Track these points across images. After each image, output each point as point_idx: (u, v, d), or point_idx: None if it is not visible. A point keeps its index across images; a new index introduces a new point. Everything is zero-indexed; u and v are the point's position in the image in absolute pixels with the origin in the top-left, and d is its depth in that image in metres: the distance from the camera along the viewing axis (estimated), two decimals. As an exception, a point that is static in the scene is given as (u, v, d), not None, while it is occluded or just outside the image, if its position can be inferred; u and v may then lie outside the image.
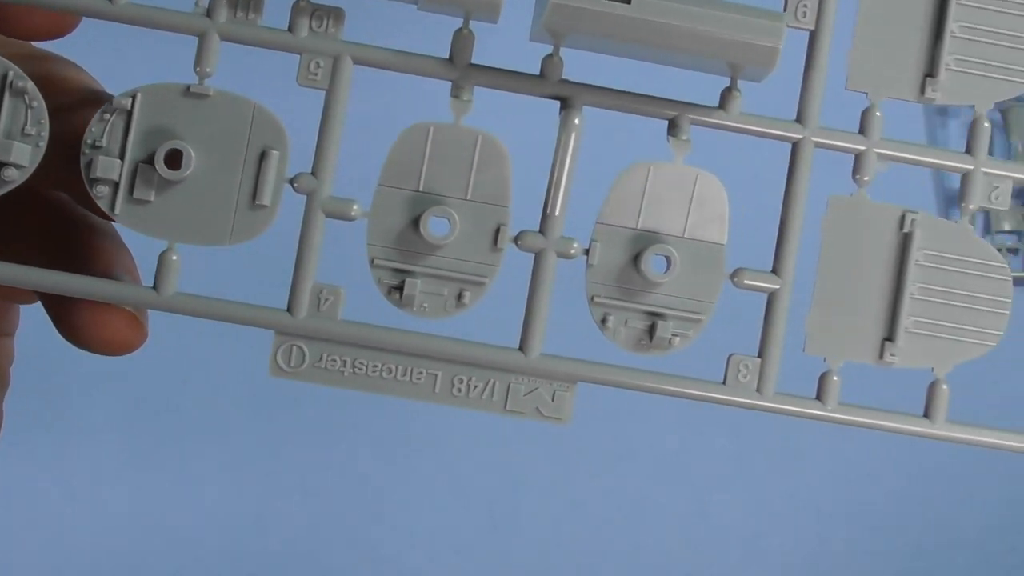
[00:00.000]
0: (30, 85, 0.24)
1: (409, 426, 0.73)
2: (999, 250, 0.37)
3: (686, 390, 0.26)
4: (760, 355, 0.26)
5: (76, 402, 0.70)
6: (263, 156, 0.25)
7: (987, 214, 0.80)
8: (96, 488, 0.70)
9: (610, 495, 0.75)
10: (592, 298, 0.26)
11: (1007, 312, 0.27)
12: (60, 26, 0.25)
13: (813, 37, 0.26)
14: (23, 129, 0.24)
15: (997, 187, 0.27)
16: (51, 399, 0.71)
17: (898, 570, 0.75)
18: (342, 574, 0.69)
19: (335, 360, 0.25)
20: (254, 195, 0.25)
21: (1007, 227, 0.81)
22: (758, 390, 0.26)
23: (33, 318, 0.28)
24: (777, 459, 0.77)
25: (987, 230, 0.80)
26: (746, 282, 0.26)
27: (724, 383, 0.26)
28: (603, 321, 0.26)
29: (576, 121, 0.26)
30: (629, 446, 0.73)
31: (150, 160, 0.25)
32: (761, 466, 0.77)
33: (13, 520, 0.69)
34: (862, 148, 0.26)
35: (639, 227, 0.26)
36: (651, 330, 0.26)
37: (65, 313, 0.25)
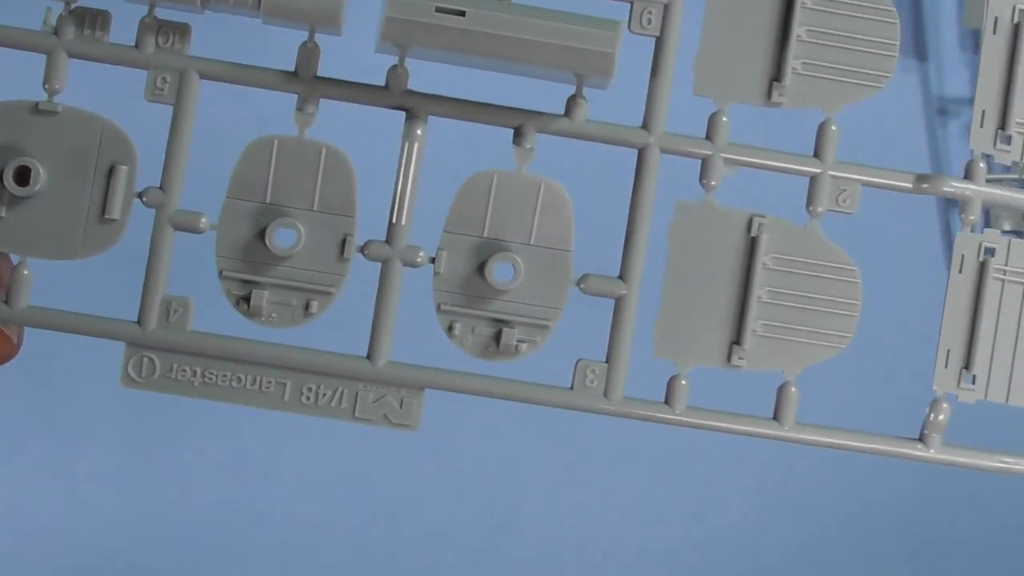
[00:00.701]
0: None
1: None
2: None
3: (533, 396, 0.26)
4: (607, 360, 0.27)
5: (77, 401, 0.71)
6: (112, 171, 0.26)
7: (987, 213, 0.79)
8: (96, 488, 0.70)
9: (610, 495, 0.75)
10: (439, 306, 0.26)
11: (856, 314, 0.27)
12: None
13: (659, 44, 0.27)
14: None
15: (845, 190, 0.27)
16: (52, 398, 0.72)
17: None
18: (342, 574, 0.69)
19: (185, 371, 0.26)
20: (103, 209, 0.26)
21: (1007, 227, 0.80)
22: (605, 395, 0.27)
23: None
24: (778, 458, 0.77)
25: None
26: (593, 288, 0.27)
27: (572, 388, 0.27)
28: (450, 329, 0.26)
29: (419, 132, 0.26)
30: (630, 446, 0.74)
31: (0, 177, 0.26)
32: (761, 465, 0.78)
33: (13, 520, 0.70)
34: (708, 153, 0.27)
35: (485, 235, 0.26)
36: (498, 337, 0.26)
37: None
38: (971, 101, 0.82)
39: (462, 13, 0.25)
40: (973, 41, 0.74)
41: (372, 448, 0.73)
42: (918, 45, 0.73)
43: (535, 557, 0.74)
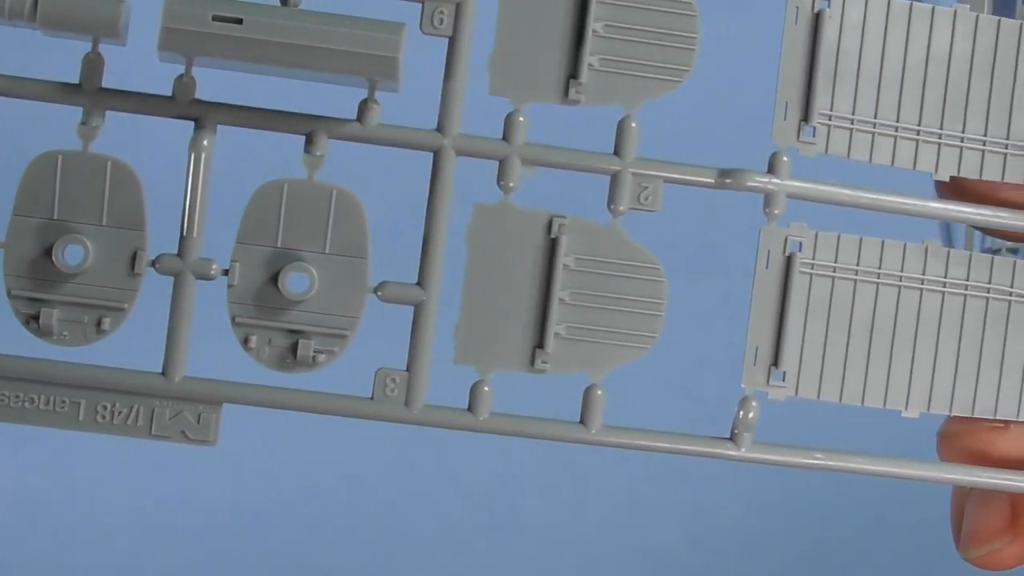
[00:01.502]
0: None
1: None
2: (998, 251, 0.37)
3: (332, 407, 0.26)
4: (408, 368, 0.27)
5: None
6: None
7: None
8: (96, 487, 0.70)
9: (611, 494, 0.75)
10: (234, 319, 0.26)
11: (661, 314, 0.27)
12: None
13: (451, 44, 0.27)
14: None
15: (647, 187, 0.27)
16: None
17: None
18: (342, 574, 0.69)
19: (-25, 393, 0.26)
20: None
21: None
22: (406, 404, 0.27)
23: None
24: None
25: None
26: (391, 295, 0.27)
27: (372, 398, 0.27)
28: (246, 341, 0.26)
29: (205, 142, 0.26)
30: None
31: None
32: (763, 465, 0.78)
33: (13, 520, 0.70)
34: (505, 154, 0.27)
35: (279, 245, 0.26)
36: (295, 348, 0.26)
37: None
38: None
39: (239, 21, 0.25)
40: None
41: (372, 448, 0.73)
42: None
43: (535, 557, 0.75)
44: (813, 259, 0.28)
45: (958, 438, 0.30)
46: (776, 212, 0.27)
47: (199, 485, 0.71)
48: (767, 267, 0.27)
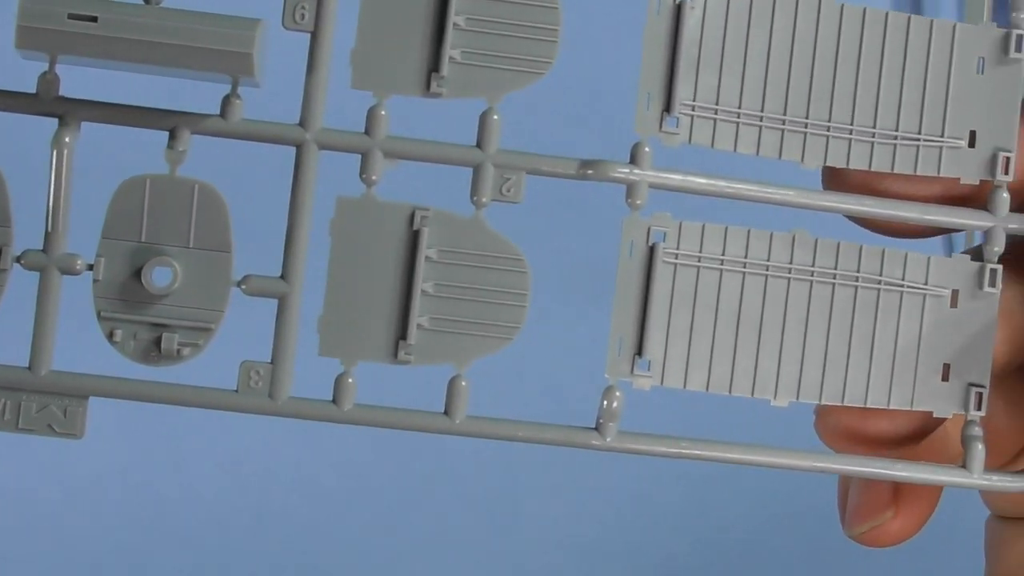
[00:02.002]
0: None
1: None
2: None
3: (197, 399, 0.27)
4: (272, 361, 0.27)
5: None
6: None
7: None
8: (96, 487, 0.71)
9: (611, 494, 0.76)
10: (99, 313, 0.27)
11: (525, 305, 0.27)
12: None
13: (313, 39, 0.27)
14: None
15: (509, 179, 0.27)
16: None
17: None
18: (342, 574, 0.70)
19: None
20: None
21: None
22: (270, 396, 0.27)
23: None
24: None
25: None
26: (255, 288, 0.27)
27: (236, 391, 0.27)
28: (111, 335, 0.27)
29: (67, 139, 0.27)
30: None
31: None
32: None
33: (13, 519, 0.70)
34: (367, 148, 0.27)
35: (143, 240, 0.27)
36: (159, 342, 0.27)
37: None
38: None
39: (95, 19, 0.25)
40: None
41: (372, 448, 0.73)
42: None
43: (535, 557, 0.75)
44: (677, 249, 0.28)
45: (833, 414, 0.30)
46: (638, 202, 0.28)
47: (199, 485, 0.71)
48: (630, 256, 0.28)
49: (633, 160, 0.28)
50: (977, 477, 0.28)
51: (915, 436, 0.29)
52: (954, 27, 0.29)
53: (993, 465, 0.29)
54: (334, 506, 0.73)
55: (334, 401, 0.28)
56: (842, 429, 0.30)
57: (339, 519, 0.72)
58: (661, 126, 0.28)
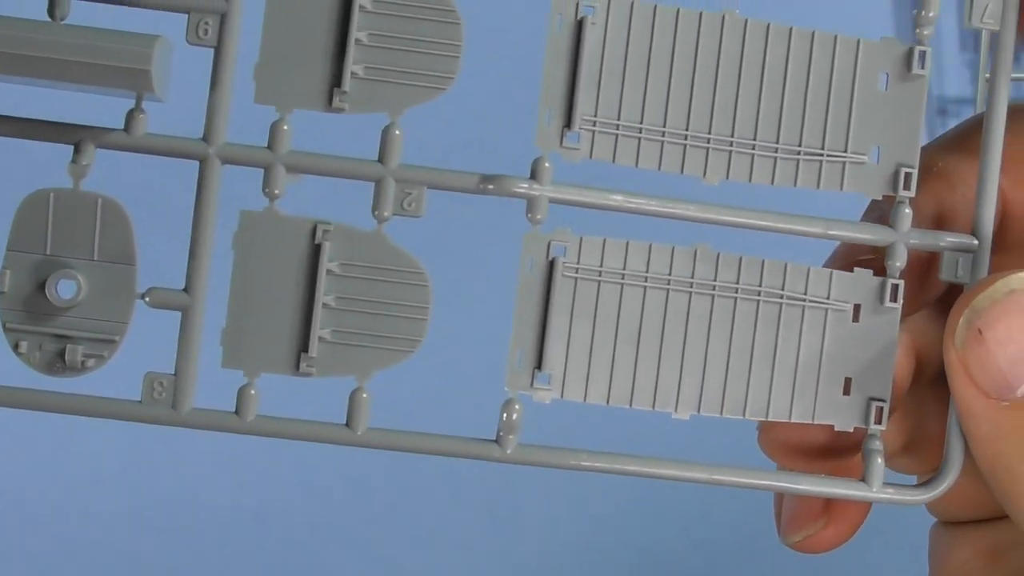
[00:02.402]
0: None
1: (408, 426, 0.73)
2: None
3: (100, 409, 0.27)
4: (175, 372, 0.28)
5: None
6: None
7: None
8: (96, 487, 0.71)
9: (611, 494, 0.76)
10: (5, 325, 0.27)
11: (427, 318, 0.28)
12: None
13: (217, 54, 0.28)
14: None
15: (411, 193, 0.28)
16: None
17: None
18: (342, 574, 0.70)
19: None
20: None
21: None
22: (174, 407, 0.28)
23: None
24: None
25: None
26: (158, 301, 0.27)
27: (140, 401, 0.28)
28: (16, 347, 0.27)
29: (-28, 152, 0.27)
30: (630, 445, 0.74)
31: None
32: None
33: (13, 519, 0.71)
34: (269, 162, 0.28)
35: (48, 253, 0.27)
36: (64, 353, 0.27)
37: None
38: (973, 101, 0.82)
39: (-12, 35, 0.26)
40: (973, 41, 0.74)
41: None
42: (918, 45, 0.74)
43: (535, 557, 0.75)
44: (578, 263, 0.28)
45: (773, 429, 0.30)
46: (539, 217, 0.28)
47: (199, 485, 0.72)
48: (530, 271, 0.28)
49: (533, 175, 0.28)
50: (876, 491, 0.29)
51: (853, 448, 0.30)
52: (858, 42, 0.29)
53: (931, 469, 0.30)
54: (334, 506, 0.73)
55: (237, 412, 0.28)
56: (780, 443, 0.30)
57: (339, 518, 0.73)
58: (562, 141, 0.28)
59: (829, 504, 0.31)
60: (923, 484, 0.29)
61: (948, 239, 0.29)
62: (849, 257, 0.30)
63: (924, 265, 0.30)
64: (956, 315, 0.27)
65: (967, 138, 0.30)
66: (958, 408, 0.28)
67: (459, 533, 0.74)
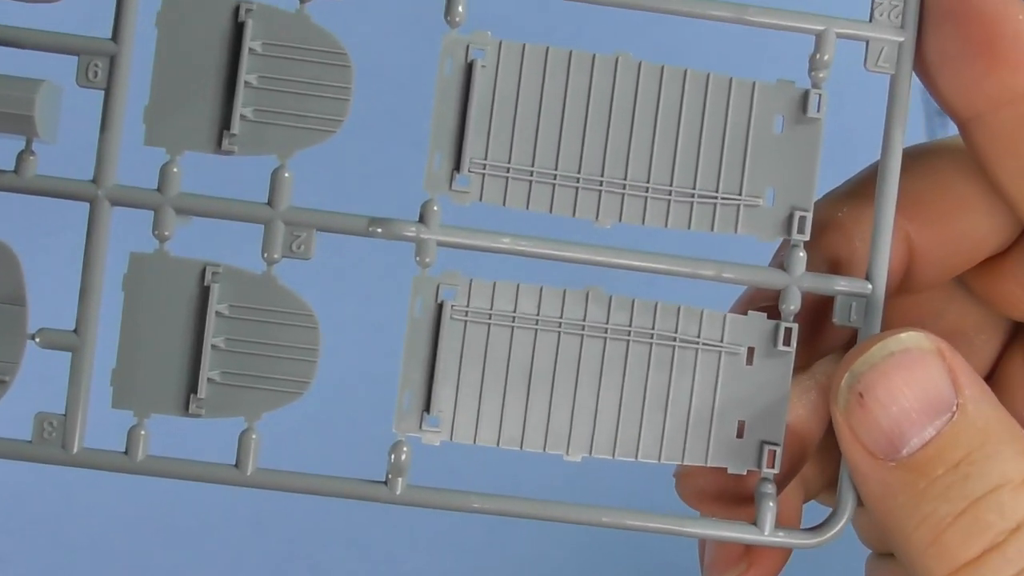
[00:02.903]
0: None
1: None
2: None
3: (-10, 450, 0.28)
4: (65, 412, 0.28)
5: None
6: None
7: None
8: (96, 487, 0.72)
9: (611, 494, 0.76)
10: None
11: (316, 360, 0.28)
12: None
13: (106, 96, 0.28)
14: None
15: (299, 236, 0.28)
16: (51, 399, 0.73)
17: None
18: (342, 574, 0.71)
19: None
20: None
21: None
22: (63, 446, 0.28)
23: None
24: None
25: None
26: (49, 341, 0.28)
27: (31, 441, 0.28)
28: (-94, 387, 0.28)
29: None
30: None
31: None
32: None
33: (13, 520, 0.72)
34: (158, 204, 0.28)
35: (-62, 293, 0.28)
36: (-46, 393, 0.28)
37: None
38: None
39: None
40: None
41: (372, 448, 0.74)
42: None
43: (535, 557, 0.76)
44: (467, 306, 0.28)
45: (690, 476, 0.31)
46: (428, 260, 0.28)
47: (199, 485, 0.72)
48: (419, 313, 0.28)
49: (422, 219, 0.28)
50: (768, 535, 0.29)
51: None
52: (753, 84, 0.29)
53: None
54: (333, 505, 0.73)
55: (127, 452, 0.28)
56: (696, 491, 0.31)
57: (338, 518, 0.73)
58: (452, 184, 0.28)
59: (748, 548, 0.31)
60: (814, 529, 0.29)
61: (841, 284, 0.29)
62: (754, 302, 0.30)
63: (825, 310, 0.30)
64: (837, 378, 0.27)
65: (866, 185, 0.30)
66: (848, 466, 0.28)
67: (459, 532, 0.74)
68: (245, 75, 0.28)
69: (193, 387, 0.28)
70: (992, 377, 0.33)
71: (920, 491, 0.26)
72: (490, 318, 0.29)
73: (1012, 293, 0.31)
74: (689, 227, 0.29)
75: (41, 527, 0.70)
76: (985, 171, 0.29)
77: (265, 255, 0.28)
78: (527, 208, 0.29)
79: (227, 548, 0.72)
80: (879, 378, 0.27)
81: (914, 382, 0.27)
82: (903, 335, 0.27)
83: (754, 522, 0.29)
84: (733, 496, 0.31)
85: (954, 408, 0.26)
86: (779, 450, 0.29)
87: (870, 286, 0.29)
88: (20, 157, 0.28)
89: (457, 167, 0.28)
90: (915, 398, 0.27)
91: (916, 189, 0.30)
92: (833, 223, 0.30)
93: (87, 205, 0.28)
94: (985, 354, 0.33)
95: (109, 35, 0.28)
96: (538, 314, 0.29)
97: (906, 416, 0.26)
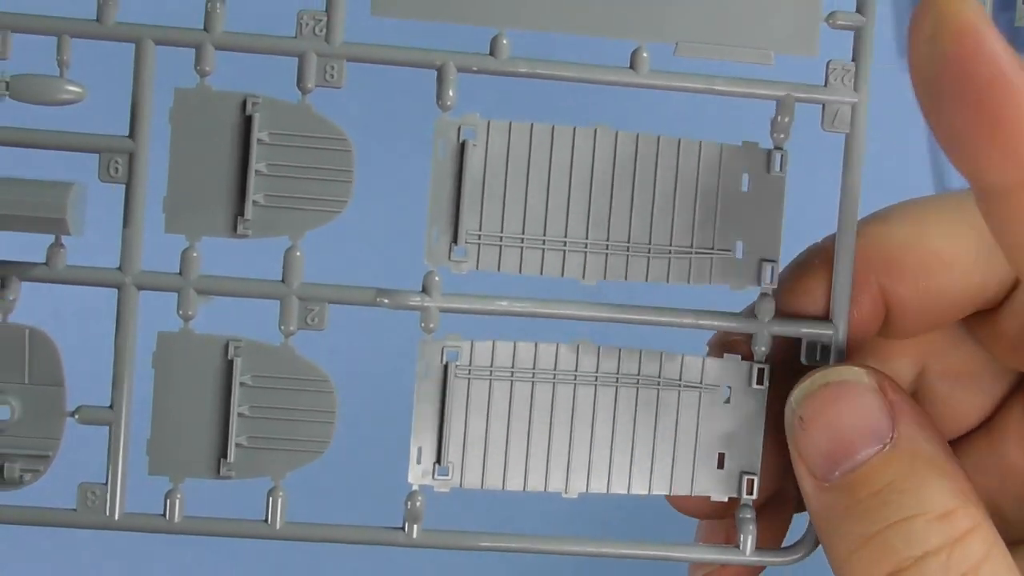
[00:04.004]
0: None
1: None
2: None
3: (41, 518, 0.31)
4: (106, 481, 0.31)
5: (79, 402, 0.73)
6: None
7: None
8: None
9: (611, 494, 0.78)
10: (-53, 446, 0.30)
11: (333, 422, 0.31)
12: None
13: (128, 190, 0.30)
14: None
15: (313, 309, 0.31)
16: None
17: None
18: (342, 574, 0.72)
19: None
20: None
21: None
22: (107, 512, 0.31)
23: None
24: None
25: None
26: (87, 418, 0.30)
27: (76, 509, 0.31)
28: (-42, 466, 0.30)
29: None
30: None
31: None
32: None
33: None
34: (181, 286, 0.30)
35: (-17, 380, 0.30)
36: (2, 470, 0.30)
37: None
38: None
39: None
40: None
41: (372, 448, 0.75)
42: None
43: (535, 557, 0.78)
44: (470, 365, 0.31)
45: (682, 498, 0.34)
46: (431, 327, 0.31)
47: (199, 485, 0.73)
48: (426, 375, 0.31)
49: (424, 289, 0.31)
50: (749, 555, 0.32)
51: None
52: (721, 147, 0.32)
53: None
54: (333, 505, 0.75)
55: (164, 515, 0.31)
56: (683, 507, 0.34)
57: (338, 518, 0.75)
58: (450, 256, 0.31)
59: (733, 569, 0.34)
60: (789, 547, 0.33)
61: (807, 328, 0.32)
62: (726, 339, 0.33)
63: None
64: (788, 407, 0.30)
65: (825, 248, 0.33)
66: (799, 485, 0.31)
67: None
68: (255, 164, 0.30)
69: (223, 452, 0.31)
70: (992, 421, 0.35)
71: (844, 510, 0.29)
72: (491, 374, 0.32)
73: (1007, 345, 0.33)
74: (668, 280, 0.32)
75: (41, 528, 0.72)
76: (997, 239, 0.28)
77: (282, 328, 0.31)
78: (520, 272, 0.32)
79: (226, 547, 0.73)
80: (817, 404, 0.30)
81: (849, 411, 0.30)
82: (842, 368, 0.30)
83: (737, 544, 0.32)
84: (717, 508, 0.34)
85: (888, 439, 0.29)
86: (756, 478, 0.32)
87: (831, 331, 0.32)
88: (51, 250, 0.31)
89: (454, 239, 0.31)
90: (850, 425, 0.30)
91: (892, 245, 0.32)
92: (810, 267, 0.33)
93: (115, 291, 0.31)
94: (990, 396, 0.35)
95: (126, 129, 0.30)
96: (534, 367, 0.32)
97: (840, 441, 0.29)
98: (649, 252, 0.32)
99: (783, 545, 0.33)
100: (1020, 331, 0.32)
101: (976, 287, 0.32)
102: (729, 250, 0.32)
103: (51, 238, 0.31)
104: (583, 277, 0.32)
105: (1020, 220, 0.27)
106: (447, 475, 0.32)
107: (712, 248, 0.32)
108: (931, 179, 0.77)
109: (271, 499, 0.32)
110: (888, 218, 0.32)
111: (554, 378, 0.32)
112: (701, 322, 0.32)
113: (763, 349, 0.32)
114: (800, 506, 0.37)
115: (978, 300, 0.32)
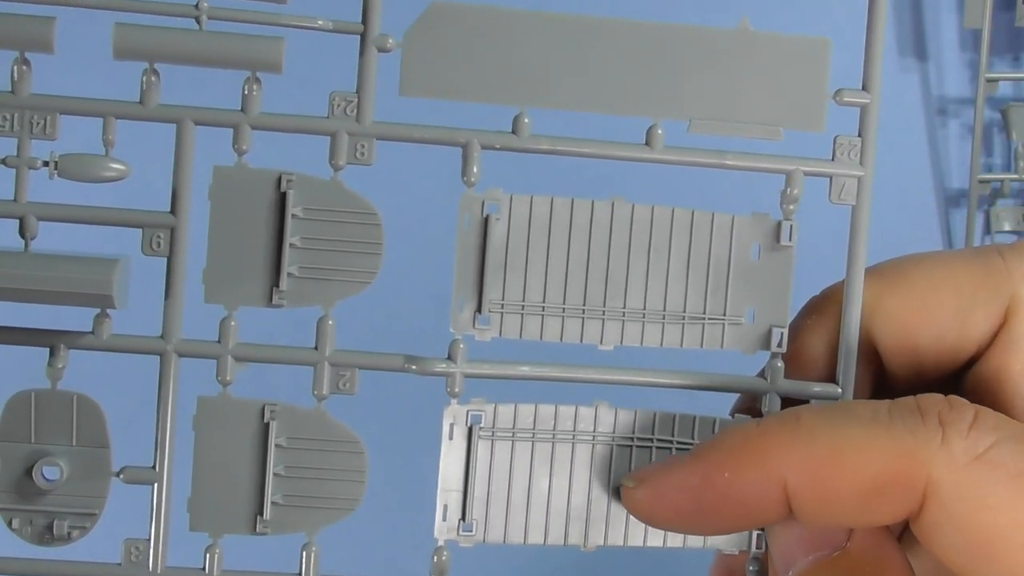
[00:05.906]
0: None
1: (409, 427, 0.78)
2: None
3: (87, 573, 0.32)
4: (149, 538, 0.33)
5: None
6: None
7: (987, 214, 0.81)
8: None
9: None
10: (-1, 505, 0.32)
11: (364, 481, 0.33)
12: None
13: (169, 264, 0.32)
14: None
15: (345, 375, 0.32)
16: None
17: None
18: (342, 574, 0.74)
19: None
20: None
21: (1007, 227, 0.82)
22: (150, 568, 0.33)
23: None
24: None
25: (987, 230, 0.82)
26: (131, 478, 0.32)
27: (120, 564, 0.33)
28: (10, 523, 0.32)
29: (-39, 361, 0.32)
30: None
31: None
32: None
33: None
34: (219, 354, 0.32)
35: (33, 442, 0.32)
36: (52, 527, 0.32)
37: None
38: (973, 101, 0.83)
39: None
40: (973, 41, 0.77)
41: (372, 449, 0.77)
42: (918, 45, 0.77)
43: (535, 557, 0.80)
44: (493, 427, 0.33)
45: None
46: (457, 391, 0.33)
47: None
48: (451, 437, 0.33)
49: (450, 356, 0.33)
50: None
51: None
52: (732, 219, 0.34)
53: None
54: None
55: (204, 569, 0.33)
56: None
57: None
58: (474, 324, 0.33)
59: None
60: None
61: (815, 388, 0.34)
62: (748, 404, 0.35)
63: None
64: None
65: (831, 300, 0.34)
66: None
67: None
68: (289, 237, 0.32)
69: (259, 510, 0.33)
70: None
71: None
72: (513, 435, 0.33)
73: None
74: (681, 345, 0.34)
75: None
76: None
77: (315, 392, 0.33)
78: (540, 339, 0.34)
79: (226, 547, 0.76)
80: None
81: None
82: None
83: (748, 595, 0.34)
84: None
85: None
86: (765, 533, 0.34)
87: (839, 390, 0.34)
88: (96, 320, 0.33)
89: (479, 308, 0.33)
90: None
91: (883, 305, 0.34)
92: (803, 328, 0.35)
93: (157, 358, 0.33)
94: None
95: (168, 204, 0.32)
96: (554, 428, 0.34)
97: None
98: (663, 319, 0.34)
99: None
100: None
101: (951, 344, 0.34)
102: (740, 316, 0.34)
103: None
104: (600, 343, 0.34)
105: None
106: (471, 531, 0.34)
107: (724, 314, 0.34)
108: (931, 179, 0.79)
109: (305, 553, 0.34)
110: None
111: (573, 438, 0.34)
112: (713, 384, 0.34)
113: (772, 410, 0.34)
114: None
115: (962, 356, 0.34)
